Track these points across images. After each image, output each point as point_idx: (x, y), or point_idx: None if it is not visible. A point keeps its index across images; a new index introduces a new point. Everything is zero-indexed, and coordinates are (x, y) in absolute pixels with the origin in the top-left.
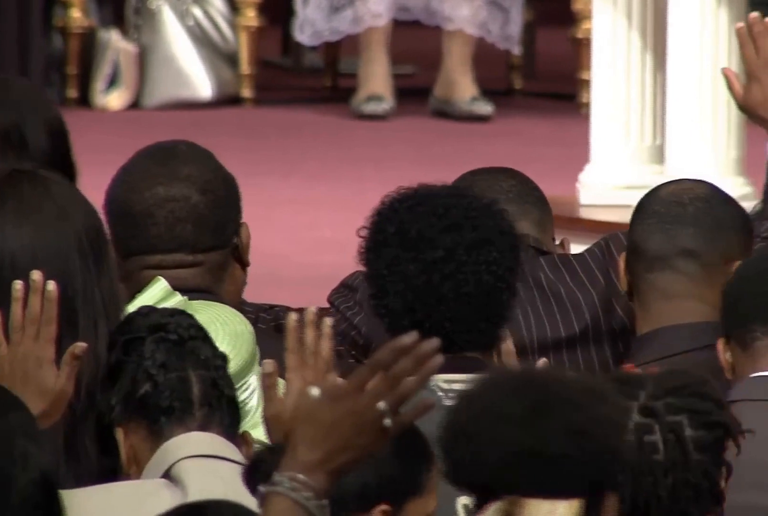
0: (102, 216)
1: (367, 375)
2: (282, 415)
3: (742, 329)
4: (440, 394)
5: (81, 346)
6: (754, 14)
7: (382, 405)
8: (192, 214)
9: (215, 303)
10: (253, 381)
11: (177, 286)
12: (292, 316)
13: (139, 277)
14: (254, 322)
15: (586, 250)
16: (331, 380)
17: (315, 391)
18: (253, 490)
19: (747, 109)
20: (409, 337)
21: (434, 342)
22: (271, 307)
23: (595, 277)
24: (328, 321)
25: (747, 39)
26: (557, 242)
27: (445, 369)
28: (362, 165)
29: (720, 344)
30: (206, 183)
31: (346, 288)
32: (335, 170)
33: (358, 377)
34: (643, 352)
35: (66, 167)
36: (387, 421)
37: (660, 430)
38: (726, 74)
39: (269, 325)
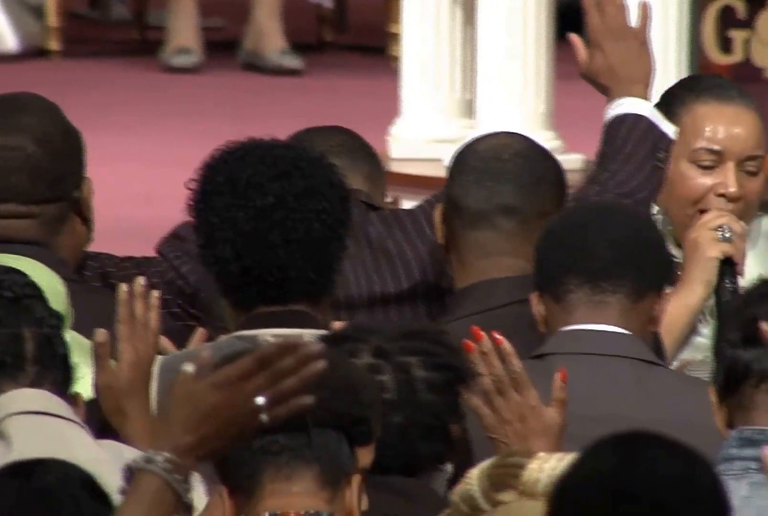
0: None
1: (252, 367)
2: (114, 385)
3: (555, 283)
4: None
5: None
6: None
7: (260, 400)
8: (27, 165)
9: (24, 258)
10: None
11: (8, 237)
12: (123, 288)
13: None
14: (102, 276)
15: (417, 206)
16: (223, 371)
17: (189, 367)
18: None
19: (589, 76)
20: (299, 338)
21: (320, 346)
22: (122, 259)
23: (425, 233)
24: (155, 293)
25: (593, 6)
26: (389, 199)
27: (273, 323)
28: (172, 119)
29: (533, 298)
30: (45, 134)
31: (175, 238)
32: (144, 124)
33: (242, 367)
34: (461, 307)
35: None
36: (263, 416)
37: (391, 370)
38: (571, 40)
39: (95, 273)
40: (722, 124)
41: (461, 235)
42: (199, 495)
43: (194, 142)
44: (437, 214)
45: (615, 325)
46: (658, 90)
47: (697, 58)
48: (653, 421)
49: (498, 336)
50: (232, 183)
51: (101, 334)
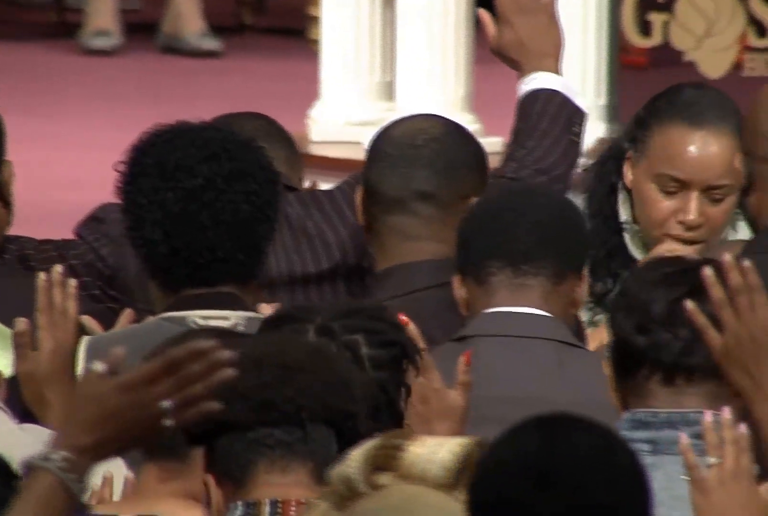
0: None
1: (159, 371)
2: (35, 373)
3: (477, 266)
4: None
5: None
6: None
7: (166, 404)
8: None
9: None
10: None
11: None
12: (42, 276)
13: None
14: (21, 259)
15: (336, 187)
16: (130, 374)
17: (98, 366)
18: None
19: (500, 51)
20: (207, 343)
21: (229, 353)
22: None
23: (345, 214)
24: (72, 282)
25: None
26: (307, 184)
27: (201, 305)
28: (91, 102)
29: (455, 281)
30: None
31: (93, 220)
32: (63, 106)
33: (149, 371)
34: (381, 290)
35: None
36: (167, 422)
37: (336, 348)
38: (480, 16)
39: (14, 256)
40: (689, 152)
41: (380, 221)
42: (118, 478)
43: (113, 125)
44: (357, 197)
45: (536, 308)
46: (579, 72)
47: (616, 41)
48: (574, 403)
49: (404, 318)
50: (160, 165)
51: (21, 322)
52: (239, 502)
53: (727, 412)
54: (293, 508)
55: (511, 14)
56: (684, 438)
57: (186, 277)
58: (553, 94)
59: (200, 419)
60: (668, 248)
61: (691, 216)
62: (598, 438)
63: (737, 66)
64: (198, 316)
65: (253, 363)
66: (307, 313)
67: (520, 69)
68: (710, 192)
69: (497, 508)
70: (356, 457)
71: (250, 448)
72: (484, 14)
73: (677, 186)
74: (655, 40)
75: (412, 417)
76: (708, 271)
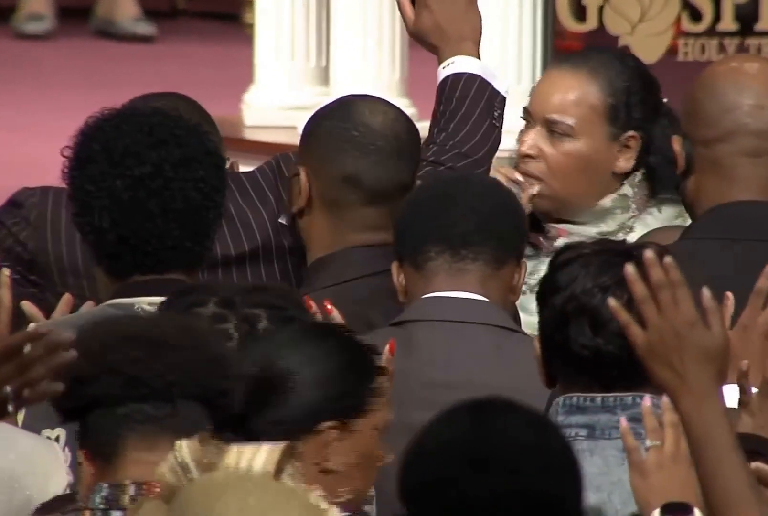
0: None
1: None
2: None
3: (416, 251)
4: None
5: None
6: None
7: (7, 389)
8: None
9: None
10: None
11: None
12: None
13: None
14: None
15: (257, 169)
16: None
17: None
18: None
19: (418, 35)
20: (44, 326)
21: (68, 334)
22: None
23: (266, 196)
24: (5, 271)
25: None
26: (228, 165)
27: (149, 291)
28: (24, 86)
29: (393, 267)
30: None
31: (13, 205)
32: None
33: None
34: (319, 278)
35: None
36: (9, 406)
37: (235, 320)
38: (398, 0)
39: None
40: (537, 84)
41: (352, 210)
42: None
43: (47, 110)
44: (303, 178)
45: (475, 293)
46: (514, 57)
47: (552, 26)
48: (511, 388)
49: (328, 306)
50: (108, 151)
51: None
52: (102, 484)
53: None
54: (155, 489)
55: None
56: (623, 421)
57: (134, 265)
58: (472, 78)
59: (41, 399)
60: (500, 171)
61: (522, 146)
62: (530, 422)
63: (672, 51)
64: (145, 303)
65: (124, 338)
66: (211, 287)
67: (439, 54)
68: (549, 126)
69: (429, 489)
70: (180, 452)
71: (119, 423)
72: None
73: (527, 119)
74: (590, 24)
75: None
76: (630, 268)
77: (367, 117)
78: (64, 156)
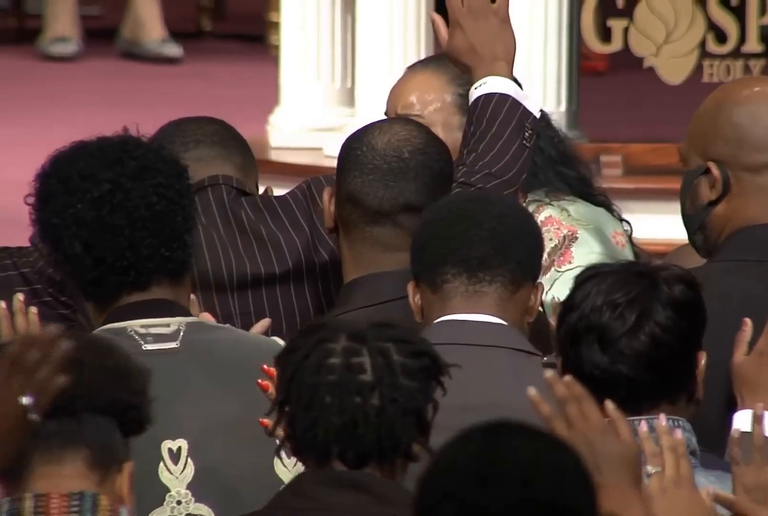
0: None
1: (7, 370)
2: None
3: (433, 272)
4: (138, 339)
5: None
6: None
7: (24, 400)
8: None
9: None
10: None
11: None
12: (1, 305)
13: None
14: None
15: (289, 193)
16: None
17: None
18: None
19: (452, 56)
20: (27, 332)
21: (57, 329)
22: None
23: (297, 219)
24: (33, 309)
25: None
26: (262, 190)
27: (139, 314)
28: (50, 107)
29: (410, 288)
30: None
31: None
32: (23, 112)
33: None
34: (352, 299)
35: None
36: (33, 416)
37: (368, 353)
38: (433, 20)
39: None
40: (394, 87)
41: (359, 229)
42: None
43: (73, 130)
44: (326, 199)
45: (492, 315)
46: (539, 78)
47: (577, 47)
48: (530, 412)
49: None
50: (64, 181)
51: None
52: (5, 500)
53: (663, 419)
54: (55, 501)
55: (461, 18)
56: None
57: (117, 284)
58: (503, 98)
59: (60, 396)
60: None
61: None
62: (542, 440)
63: (697, 72)
64: (138, 325)
65: None
66: (339, 323)
67: (472, 74)
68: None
69: (441, 506)
70: None
71: (24, 440)
72: (437, 18)
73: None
74: (615, 45)
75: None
76: (549, 374)
77: (374, 137)
78: (27, 204)
